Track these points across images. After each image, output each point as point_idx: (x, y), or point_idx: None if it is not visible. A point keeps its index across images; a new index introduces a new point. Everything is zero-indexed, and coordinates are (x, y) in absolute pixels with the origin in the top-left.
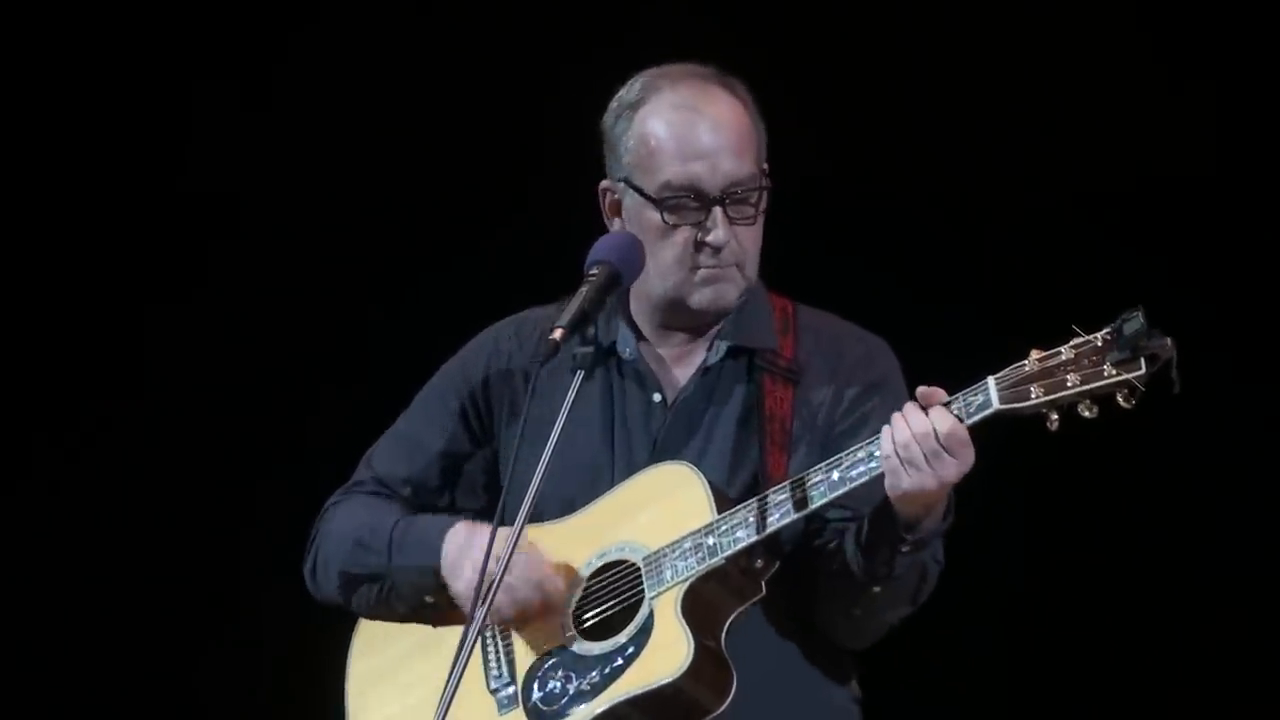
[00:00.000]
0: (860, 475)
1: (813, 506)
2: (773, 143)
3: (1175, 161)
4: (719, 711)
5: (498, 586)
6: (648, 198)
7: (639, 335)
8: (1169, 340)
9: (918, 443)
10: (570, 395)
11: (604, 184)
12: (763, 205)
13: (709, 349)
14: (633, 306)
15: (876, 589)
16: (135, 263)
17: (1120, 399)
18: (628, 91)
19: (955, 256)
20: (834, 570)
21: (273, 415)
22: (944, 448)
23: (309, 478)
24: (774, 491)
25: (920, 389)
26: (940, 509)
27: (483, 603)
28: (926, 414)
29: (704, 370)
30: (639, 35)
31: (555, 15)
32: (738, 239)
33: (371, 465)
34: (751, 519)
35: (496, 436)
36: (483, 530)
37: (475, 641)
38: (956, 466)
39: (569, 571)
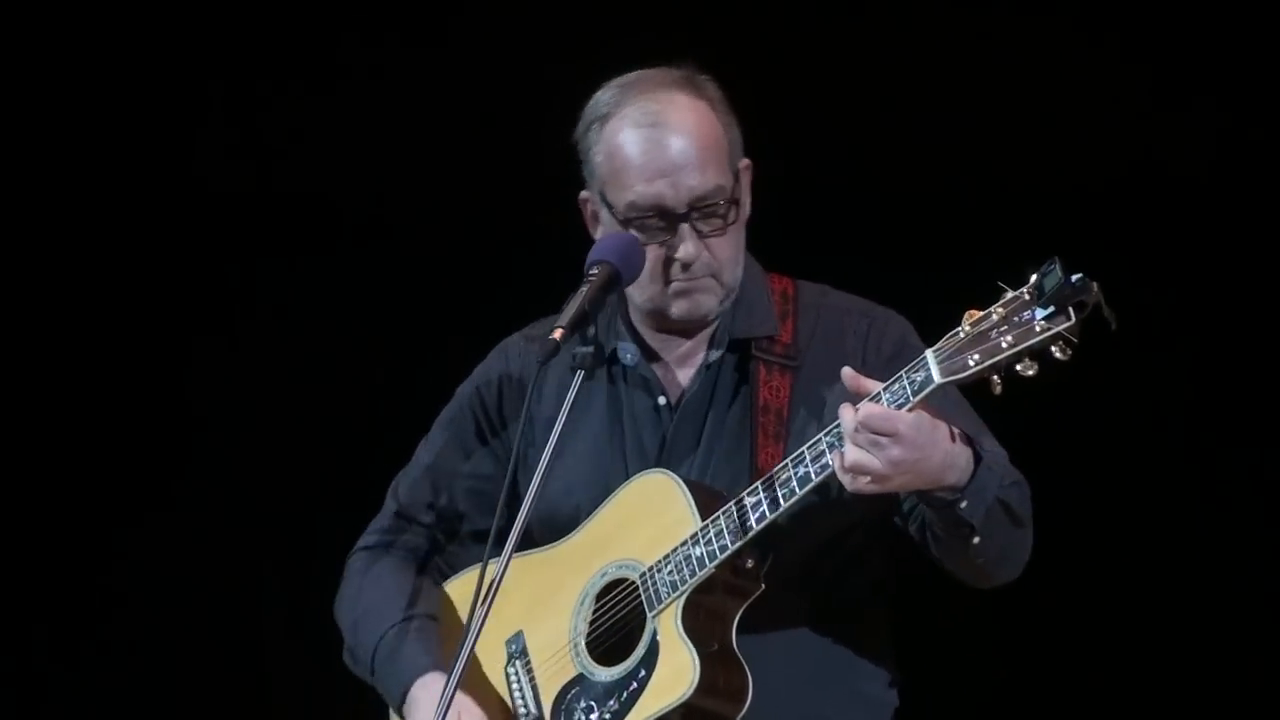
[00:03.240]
0: (827, 466)
1: (788, 503)
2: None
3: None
4: (742, 713)
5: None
6: (616, 216)
7: (640, 341)
8: (1094, 284)
9: (855, 445)
10: (570, 395)
11: (583, 194)
12: (733, 216)
13: (710, 346)
14: (631, 313)
15: (977, 540)
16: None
17: (1056, 351)
18: (595, 105)
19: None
20: (929, 540)
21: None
22: (875, 434)
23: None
24: (749, 493)
25: (846, 379)
26: (962, 462)
27: (483, 603)
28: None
29: (705, 368)
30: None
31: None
32: (710, 250)
33: (397, 496)
34: (732, 524)
35: (514, 451)
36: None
37: (470, 649)
38: (899, 447)
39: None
